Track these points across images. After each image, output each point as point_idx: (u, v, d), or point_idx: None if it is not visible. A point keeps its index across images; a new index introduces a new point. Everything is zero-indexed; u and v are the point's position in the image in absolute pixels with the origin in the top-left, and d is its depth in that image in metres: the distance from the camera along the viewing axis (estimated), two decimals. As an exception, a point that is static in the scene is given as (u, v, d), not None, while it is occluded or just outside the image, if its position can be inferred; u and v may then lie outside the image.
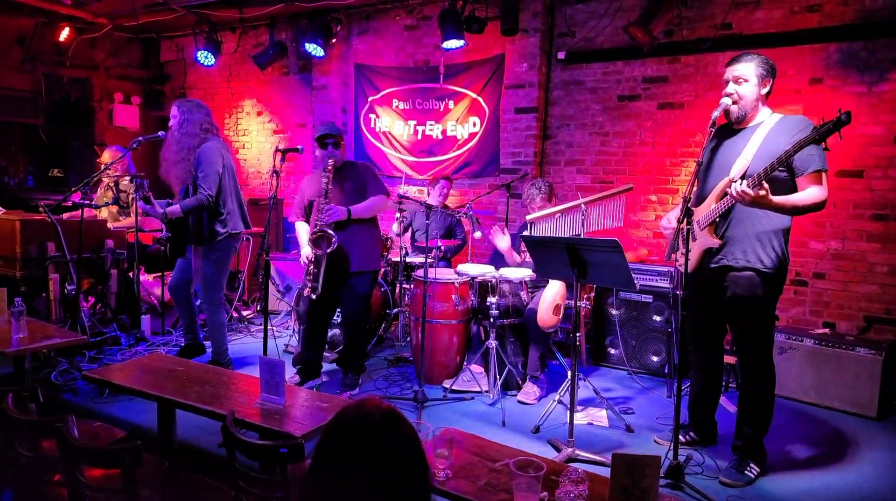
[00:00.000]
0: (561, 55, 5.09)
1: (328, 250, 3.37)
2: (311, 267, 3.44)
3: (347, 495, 1.00)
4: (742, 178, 2.48)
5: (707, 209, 2.64)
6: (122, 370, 2.70)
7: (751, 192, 2.33)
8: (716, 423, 3.06)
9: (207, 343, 4.08)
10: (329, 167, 3.47)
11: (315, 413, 2.22)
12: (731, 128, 2.74)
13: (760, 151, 2.52)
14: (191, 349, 4.02)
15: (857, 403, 3.55)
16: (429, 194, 5.02)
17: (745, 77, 2.58)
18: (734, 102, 2.61)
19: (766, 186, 2.33)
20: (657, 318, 4.15)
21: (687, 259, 2.61)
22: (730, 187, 2.42)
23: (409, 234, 4.99)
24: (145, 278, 5.04)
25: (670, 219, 2.87)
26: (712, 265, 2.70)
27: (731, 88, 2.60)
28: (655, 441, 3.10)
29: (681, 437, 3.00)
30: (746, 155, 2.55)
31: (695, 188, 2.73)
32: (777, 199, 2.39)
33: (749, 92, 2.59)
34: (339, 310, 4.02)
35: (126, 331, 4.47)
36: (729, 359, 3.38)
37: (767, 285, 2.61)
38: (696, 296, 2.85)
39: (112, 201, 4.91)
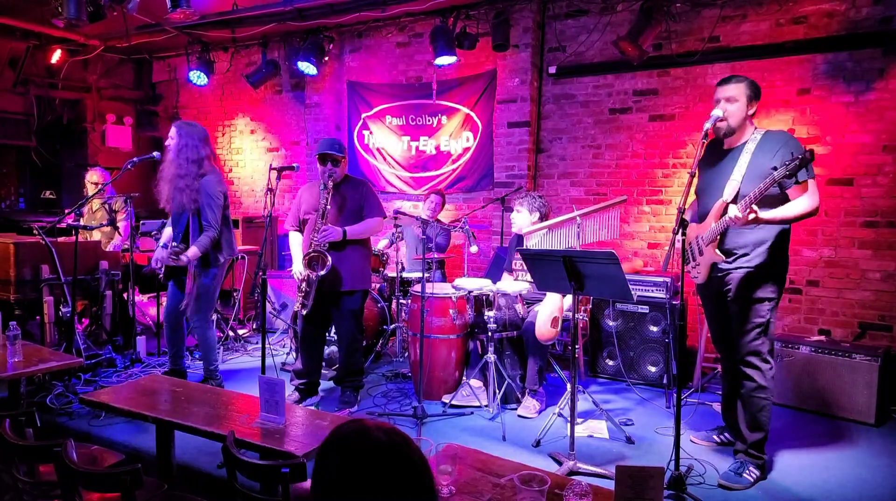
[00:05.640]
0: (552, 70, 5.15)
1: (321, 273, 3.39)
2: (304, 285, 3.46)
3: None
4: (735, 198, 2.66)
5: (708, 228, 2.79)
6: (120, 393, 2.67)
7: (741, 216, 2.49)
8: None
9: (189, 369, 4.13)
10: (329, 187, 3.48)
11: (316, 432, 2.20)
12: (720, 146, 2.89)
13: (748, 170, 2.68)
14: (175, 374, 3.99)
15: (855, 409, 3.56)
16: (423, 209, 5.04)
17: (736, 97, 2.73)
18: (723, 119, 2.74)
19: (754, 208, 2.50)
20: (654, 328, 4.16)
21: (683, 270, 2.71)
22: (725, 213, 2.62)
23: (403, 249, 5.00)
24: (140, 298, 5.01)
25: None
26: (719, 274, 2.84)
27: (722, 106, 2.74)
28: (691, 440, 3.22)
29: (715, 437, 3.24)
30: (736, 176, 2.71)
31: (690, 200, 2.91)
32: (766, 215, 2.56)
33: (738, 111, 2.73)
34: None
35: (121, 353, 4.43)
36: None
37: (765, 283, 2.73)
38: (709, 303, 3.02)
39: (107, 222, 4.89)
